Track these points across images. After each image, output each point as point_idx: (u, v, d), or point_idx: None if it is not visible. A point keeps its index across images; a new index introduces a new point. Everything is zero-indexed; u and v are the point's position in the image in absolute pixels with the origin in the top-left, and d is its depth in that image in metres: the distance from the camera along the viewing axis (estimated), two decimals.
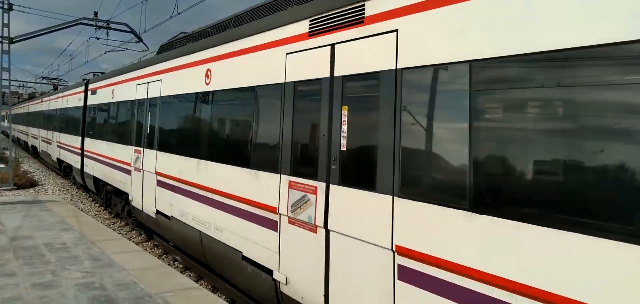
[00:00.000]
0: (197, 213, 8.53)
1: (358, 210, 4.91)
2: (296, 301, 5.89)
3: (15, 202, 13.83)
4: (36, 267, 7.34)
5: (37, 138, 31.98)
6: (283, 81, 6.32)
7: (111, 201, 15.36)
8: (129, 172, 12.50)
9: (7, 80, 20.33)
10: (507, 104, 3.58)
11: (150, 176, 10.89)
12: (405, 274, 4.34)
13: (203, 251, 8.56)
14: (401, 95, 4.49)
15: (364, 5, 5.10)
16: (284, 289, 6.10)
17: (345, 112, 5.22)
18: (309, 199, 5.62)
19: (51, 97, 27.84)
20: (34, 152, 35.33)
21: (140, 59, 15.49)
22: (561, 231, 3.16)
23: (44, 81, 51.37)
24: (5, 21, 19.91)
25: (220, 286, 8.83)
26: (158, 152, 10.56)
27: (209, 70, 8.49)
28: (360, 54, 5.06)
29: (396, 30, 4.65)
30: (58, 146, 23.44)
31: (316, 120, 5.64)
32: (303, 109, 5.93)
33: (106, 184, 15.25)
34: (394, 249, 4.45)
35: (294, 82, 6.10)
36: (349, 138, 5.13)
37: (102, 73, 19.96)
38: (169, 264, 10.01)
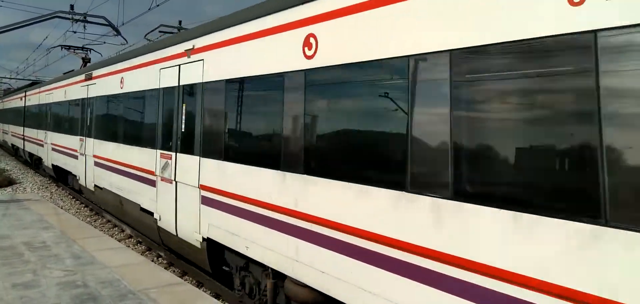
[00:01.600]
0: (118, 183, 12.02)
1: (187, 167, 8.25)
2: (163, 229, 9.28)
3: None
4: (15, 267, 7.19)
5: (21, 139, 28.61)
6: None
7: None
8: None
9: None
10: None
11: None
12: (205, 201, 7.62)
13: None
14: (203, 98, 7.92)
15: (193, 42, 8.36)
16: (159, 222, 9.48)
17: (183, 107, 8.59)
18: (169, 164, 8.97)
19: (42, 89, 23.96)
20: (15, 152, 34.42)
21: (119, 52, 15.49)
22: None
23: (20, 78, 50.15)
24: None
25: (206, 282, 8.78)
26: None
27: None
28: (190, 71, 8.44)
29: (202, 60, 8.03)
30: (53, 150, 19.77)
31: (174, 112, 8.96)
32: (169, 104, 9.23)
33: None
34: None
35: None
36: (185, 124, 8.49)
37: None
38: (152, 260, 9.91)
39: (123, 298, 6.03)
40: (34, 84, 27.03)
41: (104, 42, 25.58)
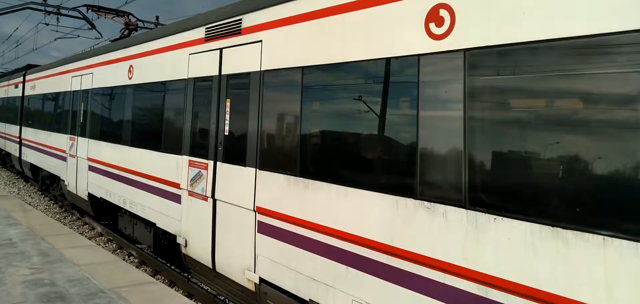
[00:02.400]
0: None
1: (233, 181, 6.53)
2: (191, 257, 7.67)
3: None
4: None
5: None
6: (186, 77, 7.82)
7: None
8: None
9: None
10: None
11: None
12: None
13: None
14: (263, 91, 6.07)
15: (241, 18, 6.62)
16: (186, 249, 7.85)
17: (228, 103, 6.75)
18: (204, 175, 7.14)
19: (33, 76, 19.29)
20: None
21: (93, 47, 14.79)
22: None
23: None
24: None
25: (178, 281, 8.66)
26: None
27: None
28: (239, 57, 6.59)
29: (261, 41, 6.19)
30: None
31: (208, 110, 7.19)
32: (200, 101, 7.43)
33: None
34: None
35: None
36: (231, 125, 6.66)
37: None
38: (123, 259, 9.72)
39: (93, 297, 5.89)
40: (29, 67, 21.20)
41: (78, 36, 25.03)
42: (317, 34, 5.22)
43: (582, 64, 3.21)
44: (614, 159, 3.10)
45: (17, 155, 19.60)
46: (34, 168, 17.62)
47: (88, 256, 7.72)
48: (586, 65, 3.19)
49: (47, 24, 22.58)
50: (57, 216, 14.00)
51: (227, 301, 7.55)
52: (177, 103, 7.90)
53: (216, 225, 6.73)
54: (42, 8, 21.16)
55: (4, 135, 22.83)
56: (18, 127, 19.70)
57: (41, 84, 16.96)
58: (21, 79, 20.12)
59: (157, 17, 14.65)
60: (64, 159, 13.43)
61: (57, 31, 24.12)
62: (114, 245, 11.37)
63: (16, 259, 7.30)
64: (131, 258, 10.41)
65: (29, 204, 13.97)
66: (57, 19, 22.17)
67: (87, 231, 12.54)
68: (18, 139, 19.49)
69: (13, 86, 21.69)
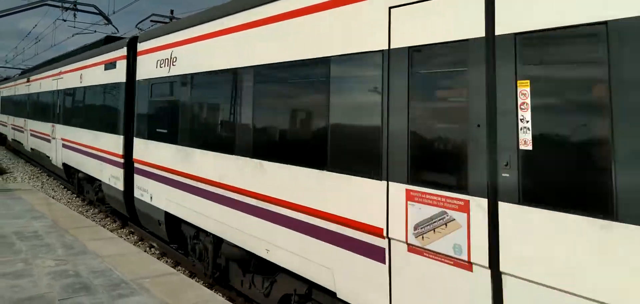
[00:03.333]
0: None
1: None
2: None
3: None
4: (6, 256, 7.13)
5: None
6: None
7: None
8: None
9: None
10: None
11: None
12: None
13: None
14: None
15: None
16: None
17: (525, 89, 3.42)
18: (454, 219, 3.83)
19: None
20: (1, 141, 34.02)
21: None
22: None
23: (9, 67, 49.47)
24: None
25: (199, 272, 8.78)
26: None
27: None
28: None
29: None
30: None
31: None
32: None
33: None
34: None
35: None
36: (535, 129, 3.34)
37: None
38: (144, 251, 9.89)
39: (116, 288, 6.02)
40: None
41: (95, 31, 25.33)
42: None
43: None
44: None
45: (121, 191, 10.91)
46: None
47: (111, 247, 7.87)
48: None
49: (65, 20, 22.90)
50: (80, 209, 14.29)
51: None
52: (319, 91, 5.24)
53: None
54: (59, 4, 21.46)
55: (79, 147, 14.10)
56: (121, 139, 10.83)
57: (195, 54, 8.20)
58: (124, 52, 11.04)
59: (172, 11, 14.66)
60: None
61: (74, 27, 24.46)
62: (136, 237, 11.57)
63: (42, 251, 7.48)
64: (152, 249, 10.58)
65: (52, 198, 14.28)
66: (74, 14, 22.47)
67: (109, 223, 12.78)
68: (121, 160, 10.73)
69: (101, 67, 12.53)
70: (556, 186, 3.21)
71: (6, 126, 30.34)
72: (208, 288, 7.00)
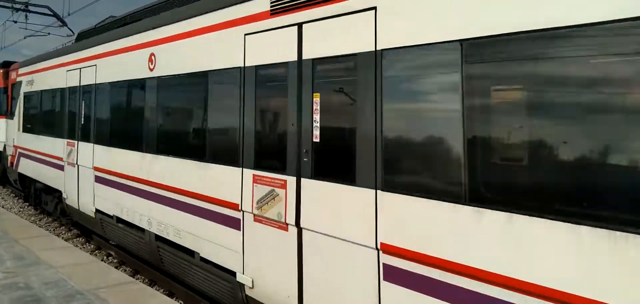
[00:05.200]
0: None
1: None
2: None
3: None
4: None
5: None
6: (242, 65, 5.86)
7: None
8: None
9: None
10: None
11: None
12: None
13: None
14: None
15: None
16: None
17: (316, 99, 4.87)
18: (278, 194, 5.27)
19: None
20: None
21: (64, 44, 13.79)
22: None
23: None
24: None
25: (159, 280, 8.57)
26: None
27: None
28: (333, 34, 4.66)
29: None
30: None
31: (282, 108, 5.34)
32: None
33: None
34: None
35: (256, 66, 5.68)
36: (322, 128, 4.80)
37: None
38: (102, 260, 9.56)
39: (70, 299, 5.78)
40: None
41: (49, 34, 24.35)
42: None
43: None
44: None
45: None
46: None
47: (65, 257, 7.56)
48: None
49: (15, 22, 21.89)
50: (33, 219, 13.66)
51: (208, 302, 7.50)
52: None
53: None
54: (10, 5, 20.51)
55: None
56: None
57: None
58: None
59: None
60: None
61: (26, 29, 23.38)
62: (92, 246, 11.16)
63: None
64: (110, 258, 10.24)
65: (2, 207, 13.59)
66: (26, 16, 21.53)
67: (63, 232, 12.27)
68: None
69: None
70: (330, 165, 4.68)
71: None
72: (168, 297, 6.85)
